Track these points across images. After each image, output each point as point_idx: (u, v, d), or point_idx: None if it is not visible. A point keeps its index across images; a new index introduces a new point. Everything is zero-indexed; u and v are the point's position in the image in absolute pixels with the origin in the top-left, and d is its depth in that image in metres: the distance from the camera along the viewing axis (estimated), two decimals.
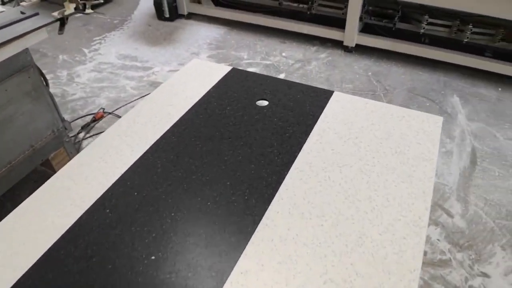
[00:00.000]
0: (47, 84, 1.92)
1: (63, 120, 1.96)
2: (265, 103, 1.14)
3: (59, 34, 1.64)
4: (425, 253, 1.75)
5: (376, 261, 0.75)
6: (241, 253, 0.78)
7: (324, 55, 3.02)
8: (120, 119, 1.13)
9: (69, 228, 0.85)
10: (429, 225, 1.83)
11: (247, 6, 3.22)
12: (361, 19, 2.86)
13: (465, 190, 2.03)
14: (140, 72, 2.89)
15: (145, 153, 1.01)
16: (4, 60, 1.51)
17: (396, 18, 2.80)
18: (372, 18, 2.86)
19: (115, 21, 3.57)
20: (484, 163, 2.17)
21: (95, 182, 0.95)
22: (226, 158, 0.98)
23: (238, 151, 1.00)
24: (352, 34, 2.89)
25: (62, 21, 1.63)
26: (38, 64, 2.88)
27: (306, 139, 1.02)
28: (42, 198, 0.91)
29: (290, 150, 0.99)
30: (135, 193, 0.92)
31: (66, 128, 1.98)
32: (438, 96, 2.62)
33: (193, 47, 3.15)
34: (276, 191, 0.90)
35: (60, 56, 3.04)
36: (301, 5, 3.03)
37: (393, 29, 2.84)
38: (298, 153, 0.98)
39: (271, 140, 1.02)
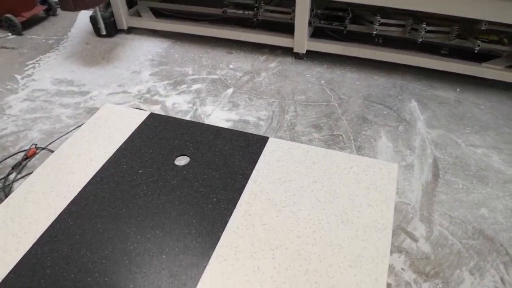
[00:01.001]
0: None
1: None
2: (185, 160, 0.94)
3: None
4: (389, 286, 1.60)
5: None
6: None
7: (274, 64, 2.84)
8: (9, 197, 0.90)
9: None
10: (392, 252, 1.69)
11: (190, 16, 2.99)
12: (310, 23, 2.70)
13: (428, 208, 1.90)
14: (77, 98, 2.61)
15: (32, 247, 0.79)
16: None
17: (346, 20, 2.65)
18: (322, 22, 2.70)
19: (50, 41, 3.26)
20: (447, 175, 2.05)
21: None
22: (132, 247, 0.77)
23: (147, 235, 0.79)
24: (301, 40, 2.72)
25: None
26: None
27: (233, 210, 0.83)
28: None
29: (212, 229, 0.79)
30: None
31: None
32: (395, 102, 2.49)
33: (134, 65, 2.89)
34: None
35: None
36: (246, 12, 2.84)
37: (345, 32, 2.69)
38: (222, 233, 0.79)
39: (190, 216, 0.82)
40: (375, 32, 2.65)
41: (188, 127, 1.03)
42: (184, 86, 2.66)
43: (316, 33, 2.85)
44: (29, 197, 0.89)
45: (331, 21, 2.73)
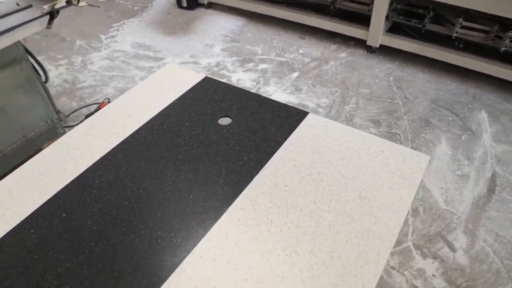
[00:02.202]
0: (46, 77, 1.89)
1: (58, 111, 1.93)
2: (227, 121, 1.03)
3: (47, 28, 1.59)
4: None
5: None
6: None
7: (344, 54, 2.83)
8: (73, 129, 1.05)
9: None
10: (426, 257, 1.67)
11: None
12: (387, 17, 2.65)
13: (475, 222, 1.83)
14: (151, 63, 2.83)
15: (86, 170, 0.93)
16: None
17: (426, 18, 2.57)
18: (401, 17, 2.64)
19: (135, 8, 3.51)
20: (504, 193, 1.96)
21: (28, 198, 0.88)
22: (166, 184, 0.88)
23: (181, 177, 0.89)
24: (376, 33, 2.69)
25: (52, 15, 1.57)
26: (55, 49, 2.88)
27: (260, 170, 0.90)
28: None
29: (238, 182, 0.88)
30: (64, 214, 0.84)
31: (61, 120, 1.95)
32: (463, 110, 2.39)
33: (208, 39, 3.04)
34: (208, 231, 0.79)
35: (78, 42, 3.02)
36: None
37: (423, 30, 2.61)
38: (245, 186, 0.87)
39: (221, 167, 0.91)
40: (455, 35, 2.54)
41: (236, 93, 1.11)
42: (251, 64, 2.76)
43: (392, 28, 2.79)
44: (90, 131, 1.03)
45: (410, 18, 2.65)
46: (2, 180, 0.93)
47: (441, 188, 1.98)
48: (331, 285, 0.70)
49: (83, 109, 2.42)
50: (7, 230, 0.83)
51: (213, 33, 3.11)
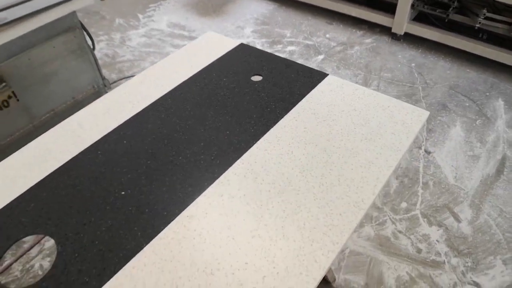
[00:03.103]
0: (93, 45, 2.12)
1: (103, 78, 2.17)
2: (259, 78, 1.22)
3: (101, 0, 1.81)
4: (419, 251, 1.76)
5: (305, 228, 0.83)
6: (193, 201, 0.90)
7: (369, 40, 2.98)
8: (131, 79, 1.27)
9: (66, 162, 1.01)
10: (432, 225, 1.83)
11: None
12: (413, 6, 2.78)
13: (481, 197, 1.98)
14: (186, 41, 3.04)
15: (142, 110, 1.15)
16: (53, 21, 1.72)
17: (451, 8, 2.68)
18: (426, 6, 2.76)
19: None
20: None
21: (95, 129, 1.10)
22: (207, 123, 1.09)
23: (219, 118, 1.10)
24: (401, 21, 2.82)
25: None
26: (96, 26, 3.14)
27: (284, 115, 1.09)
28: (55, 134, 1.09)
29: (266, 124, 1.07)
30: (124, 141, 1.06)
31: (105, 86, 2.19)
32: (481, 98, 2.51)
33: (240, 21, 3.24)
34: (240, 156, 0.99)
35: (117, 20, 3.27)
36: None
37: (446, 20, 2.73)
38: (272, 127, 1.06)
39: (252, 112, 1.11)
40: (477, 25, 2.65)
41: (267, 56, 1.31)
42: (279, 46, 2.94)
43: (417, 17, 2.91)
44: (144, 81, 1.25)
45: (435, 7, 2.77)
46: (74, 115, 1.16)
47: (452, 166, 2.12)
48: (337, 198, 0.89)
49: (122, 80, 2.66)
50: (80, 151, 1.05)
51: (244, 16, 3.30)
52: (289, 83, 1.20)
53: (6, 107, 1.77)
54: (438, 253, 1.75)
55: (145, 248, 0.83)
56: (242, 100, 1.15)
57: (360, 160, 0.97)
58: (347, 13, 3.04)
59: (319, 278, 0.76)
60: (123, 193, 0.93)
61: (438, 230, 1.87)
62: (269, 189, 0.92)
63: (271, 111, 1.11)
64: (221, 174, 0.96)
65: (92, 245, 0.84)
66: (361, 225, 1.83)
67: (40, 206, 0.93)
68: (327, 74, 1.23)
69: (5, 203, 0.94)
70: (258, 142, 1.03)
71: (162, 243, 0.83)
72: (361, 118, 1.08)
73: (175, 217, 0.87)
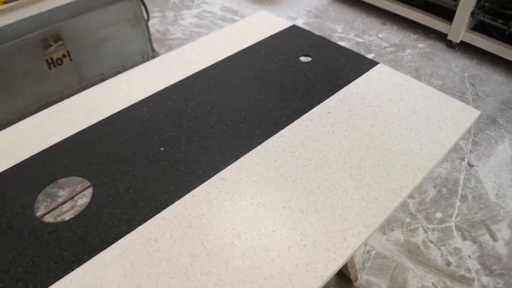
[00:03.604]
0: (147, 17, 2.17)
1: (153, 50, 2.22)
2: (308, 59, 1.21)
3: None
4: (449, 264, 1.70)
5: (338, 206, 0.82)
6: (228, 165, 0.90)
7: (422, 45, 2.89)
8: (182, 47, 1.29)
9: (112, 114, 1.04)
10: (465, 239, 1.76)
11: None
12: (473, 14, 2.67)
13: None
14: None
15: (189, 76, 1.17)
16: None
17: None
18: (486, 16, 2.65)
19: None
20: None
21: (142, 89, 1.13)
22: (251, 94, 1.09)
23: (264, 91, 1.10)
24: (459, 29, 2.71)
25: None
26: (152, 2, 3.21)
27: (330, 96, 1.08)
28: (104, 88, 1.13)
29: (310, 102, 1.06)
30: (169, 102, 1.08)
31: (154, 57, 2.23)
32: None
33: (292, 11, 3.22)
34: (280, 130, 0.99)
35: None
36: None
37: (507, 32, 2.60)
38: (316, 106, 1.05)
39: (297, 89, 1.10)
40: None
41: (318, 39, 1.29)
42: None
43: (475, 26, 2.80)
44: (194, 50, 1.26)
45: (496, 18, 2.65)
46: (123, 73, 1.19)
47: (495, 182, 2.03)
48: (375, 182, 0.87)
49: None
50: (125, 106, 1.08)
51: (297, 7, 3.28)
52: (338, 67, 1.18)
53: (59, 65, 1.84)
54: (468, 269, 1.68)
55: (176, 202, 0.84)
56: (288, 77, 1.14)
57: (403, 149, 0.94)
58: (402, 15, 2.96)
59: (346, 257, 0.74)
60: (162, 149, 0.95)
61: (471, 245, 1.79)
62: (306, 165, 0.91)
63: (316, 91, 1.10)
64: (259, 144, 0.96)
65: (126, 192, 0.86)
66: (391, 228, 1.79)
67: (82, 151, 0.96)
68: (378, 63, 1.20)
69: (51, 143, 0.98)
70: (300, 118, 1.02)
71: (193, 200, 0.84)
72: (408, 109, 1.05)
73: (209, 178, 0.88)
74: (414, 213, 1.87)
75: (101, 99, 1.10)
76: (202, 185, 0.87)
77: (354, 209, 0.82)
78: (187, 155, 0.93)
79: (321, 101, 1.07)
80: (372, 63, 1.20)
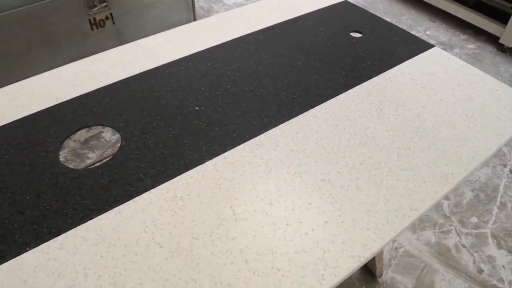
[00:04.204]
0: None
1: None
2: (358, 35, 1.13)
3: None
4: (481, 271, 1.59)
5: (382, 185, 0.74)
6: (266, 131, 0.84)
7: (472, 46, 2.74)
8: (227, 12, 1.22)
9: (148, 69, 1.01)
10: (501, 248, 1.65)
11: None
12: None
13: None
14: None
15: (232, 40, 1.11)
16: None
17: None
18: None
19: None
20: None
21: (182, 48, 1.08)
22: (295, 64, 1.02)
23: (309, 62, 1.03)
24: None
25: None
26: None
27: (379, 74, 1.00)
28: (143, 44, 1.08)
29: (358, 77, 0.98)
30: (209, 64, 1.02)
31: None
32: None
33: None
34: (324, 101, 0.92)
35: None
36: None
37: None
38: (364, 82, 0.97)
39: (345, 63, 1.02)
40: None
41: (371, 17, 1.21)
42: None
43: None
44: (238, 16, 1.20)
45: None
46: (164, 32, 1.14)
47: None
48: (424, 165, 0.79)
49: None
50: (163, 63, 1.03)
51: None
52: (390, 46, 1.10)
53: (102, 27, 1.82)
54: (501, 280, 1.57)
55: (207, 163, 0.78)
56: (336, 51, 1.07)
57: (457, 134, 0.85)
58: (453, 13, 2.81)
59: (387, 240, 0.67)
60: (197, 108, 0.89)
61: (506, 255, 1.68)
62: (349, 139, 0.83)
63: (366, 67, 1.02)
64: (300, 113, 0.89)
65: (156, 147, 0.81)
66: (422, 227, 1.69)
67: (114, 102, 0.92)
68: (433, 45, 1.11)
69: (83, 92, 0.94)
70: (346, 92, 0.95)
71: (225, 162, 0.78)
72: (464, 94, 0.95)
73: (244, 142, 0.82)
74: (448, 214, 1.76)
75: (139, 54, 1.06)
76: (236, 148, 0.81)
77: (400, 190, 0.74)
78: (223, 116, 0.88)
79: (370, 78, 0.99)
80: (426, 46, 1.11)
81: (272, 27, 1.16)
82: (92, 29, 1.78)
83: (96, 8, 1.74)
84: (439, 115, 0.90)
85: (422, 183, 0.76)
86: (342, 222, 0.69)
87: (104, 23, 1.80)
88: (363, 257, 0.65)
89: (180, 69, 1.00)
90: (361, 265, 0.65)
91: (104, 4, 1.75)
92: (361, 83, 0.98)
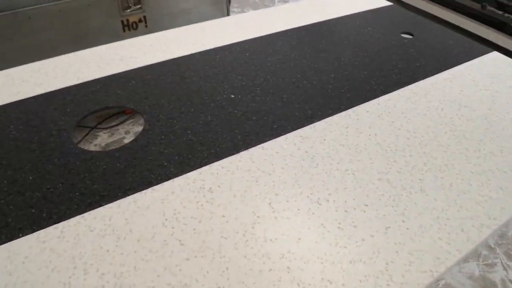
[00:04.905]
0: (229, 1, 2.07)
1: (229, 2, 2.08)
2: (409, 36, 1.03)
3: None
4: None
5: (452, 190, 0.61)
6: (310, 124, 0.73)
7: None
8: (270, 7, 1.14)
9: (181, 56, 0.93)
10: None
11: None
12: None
13: None
14: None
15: (272, 33, 1.03)
16: None
17: None
18: None
19: None
20: None
21: (218, 38, 0.99)
22: (342, 59, 0.92)
23: (357, 58, 0.92)
24: None
25: None
26: None
27: (435, 74, 0.89)
28: (176, 32, 1.00)
29: (412, 76, 0.87)
30: (247, 54, 0.94)
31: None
32: None
33: None
34: (377, 97, 0.80)
35: None
36: (507, 15, 2.64)
37: None
38: (419, 80, 0.86)
39: (396, 62, 0.92)
40: None
41: (421, 20, 1.11)
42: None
43: None
44: (283, 12, 1.12)
45: None
46: (199, 23, 1.06)
47: None
48: (498, 169, 0.66)
49: None
50: (196, 51, 0.94)
51: None
52: (445, 48, 0.99)
53: (134, 29, 1.76)
54: None
55: (242, 153, 0.67)
56: (386, 49, 0.96)
57: None
58: (493, 41, 2.69)
59: (464, 253, 0.53)
60: (232, 96, 0.79)
61: None
62: (408, 137, 0.71)
63: (420, 67, 0.91)
64: (349, 107, 0.77)
65: (183, 133, 0.70)
66: (464, 259, 1.52)
67: (140, 86, 0.82)
68: (492, 50, 0.99)
69: (107, 74, 0.85)
70: (401, 89, 0.83)
71: (263, 153, 0.67)
72: None
73: (286, 133, 0.71)
74: (493, 246, 1.59)
75: (172, 41, 0.97)
76: (277, 139, 0.70)
77: (474, 196, 0.61)
78: (261, 106, 0.77)
79: (426, 77, 0.87)
80: (484, 50, 1.00)
81: (314, 25, 1.07)
82: (124, 30, 1.72)
83: (130, 10, 1.69)
84: (508, 117, 0.78)
85: (499, 189, 0.62)
86: (407, 229, 0.56)
87: (136, 25, 1.74)
88: (437, 272, 0.51)
89: (215, 58, 0.91)
90: (434, 282, 0.51)
91: (138, 6, 1.70)
92: (416, 81, 0.86)
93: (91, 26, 1.62)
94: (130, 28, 1.69)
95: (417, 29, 1.07)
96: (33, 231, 0.55)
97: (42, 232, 0.55)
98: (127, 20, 1.66)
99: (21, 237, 0.54)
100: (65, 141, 0.69)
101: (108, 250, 0.53)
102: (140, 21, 1.70)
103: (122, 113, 1.44)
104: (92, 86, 0.82)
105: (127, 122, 1.24)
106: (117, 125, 1.10)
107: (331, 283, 0.50)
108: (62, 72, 0.86)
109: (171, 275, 0.50)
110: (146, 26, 1.73)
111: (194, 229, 0.56)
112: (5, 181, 0.61)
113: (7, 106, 0.77)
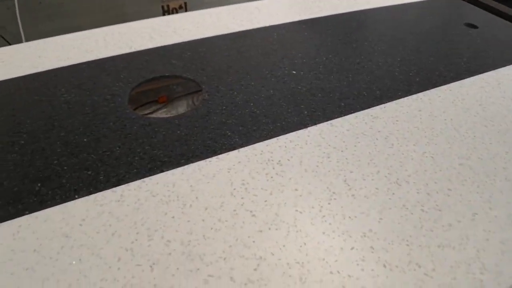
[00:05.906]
0: None
1: None
2: (472, 28, 0.98)
3: None
4: None
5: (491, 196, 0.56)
6: (380, 104, 0.68)
7: None
8: None
9: (237, 31, 0.89)
10: None
11: None
12: None
13: None
14: None
15: (331, 15, 0.99)
16: None
17: None
18: None
19: None
20: None
21: (274, 16, 0.96)
22: (406, 44, 0.87)
23: (422, 45, 0.88)
24: None
25: None
26: None
27: (507, 65, 0.84)
28: (233, 10, 0.96)
29: (481, 65, 0.83)
30: (305, 33, 0.90)
31: None
32: None
33: None
34: (448, 83, 0.76)
35: None
36: None
37: None
38: (491, 70, 0.81)
39: (463, 51, 0.87)
40: None
41: (485, 14, 1.05)
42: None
43: None
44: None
45: None
46: (254, 2, 1.02)
47: None
48: None
49: None
50: (252, 28, 0.90)
51: None
52: (486, 49, 0.94)
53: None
54: None
55: (310, 128, 0.63)
56: (450, 39, 0.92)
57: None
58: None
59: None
60: (294, 72, 0.75)
61: None
62: (486, 125, 0.66)
63: (489, 57, 0.86)
64: (419, 91, 0.73)
65: (245, 105, 0.66)
66: None
67: (196, 57, 0.78)
68: None
69: (161, 44, 0.82)
70: (472, 77, 0.79)
71: (333, 130, 0.62)
72: None
73: (355, 112, 0.66)
74: None
75: (226, 17, 0.94)
76: (346, 117, 0.65)
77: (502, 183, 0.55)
78: (325, 83, 0.72)
79: (497, 68, 0.82)
80: None
81: (372, 10, 1.03)
82: (163, 15, 1.70)
83: None
84: None
85: None
86: (496, 216, 0.51)
87: (177, 11, 1.72)
88: None
89: (273, 35, 0.87)
90: None
91: None
92: (486, 71, 0.81)
93: (130, 10, 1.60)
94: (170, 14, 1.66)
95: (481, 21, 1.01)
96: (90, 193, 0.51)
97: (99, 195, 0.51)
98: (168, 6, 1.64)
99: (76, 198, 0.51)
100: (120, 106, 0.65)
101: (173, 217, 0.49)
102: (180, 7, 1.68)
103: (156, 102, 1.40)
104: (146, 55, 0.78)
105: (160, 111, 1.20)
106: (150, 113, 1.06)
107: (419, 266, 0.45)
108: (114, 41, 0.83)
109: (244, 247, 0.46)
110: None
111: (265, 201, 0.51)
112: (58, 142, 0.58)
113: (57, 70, 0.74)
